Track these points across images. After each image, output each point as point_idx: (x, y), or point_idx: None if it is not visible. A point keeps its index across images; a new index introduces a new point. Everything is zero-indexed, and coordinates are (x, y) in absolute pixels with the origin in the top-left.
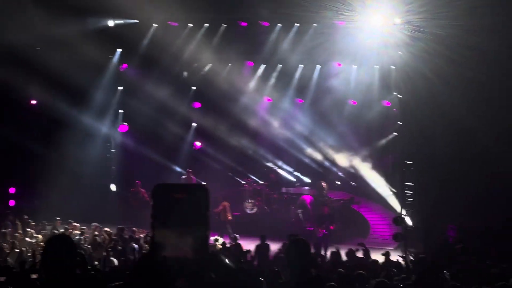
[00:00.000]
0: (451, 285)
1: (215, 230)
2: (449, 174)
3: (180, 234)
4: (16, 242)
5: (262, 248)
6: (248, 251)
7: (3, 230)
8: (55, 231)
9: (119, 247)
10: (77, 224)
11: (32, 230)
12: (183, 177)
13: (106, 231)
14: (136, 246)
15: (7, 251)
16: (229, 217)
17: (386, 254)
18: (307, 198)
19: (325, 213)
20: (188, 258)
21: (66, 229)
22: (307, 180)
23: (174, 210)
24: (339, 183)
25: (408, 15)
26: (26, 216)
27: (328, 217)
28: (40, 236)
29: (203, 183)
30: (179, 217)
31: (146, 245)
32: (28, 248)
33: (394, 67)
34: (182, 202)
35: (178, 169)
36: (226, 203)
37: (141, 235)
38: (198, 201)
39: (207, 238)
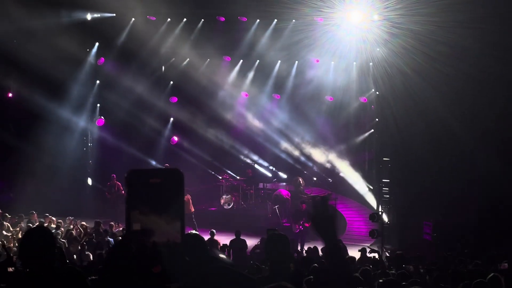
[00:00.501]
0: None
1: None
2: (426, 170)
3: (157, 220)
4: None
5: (237, 243)
6: (225, 245)
7: None
8: (30, 224)
9: (94, 240)
10: (53, 218)
11: (7, 223)
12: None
13: (82, 225)
14: (111, 240)
15: None
16: (192, 209)
17: (362, 250)
18: (283, 192)
19: (302, 209)
20: (176, 242)
21: (42, 223)
22: (284, 176)
23: (149, 196)
24: (315, 179)
25: (386, 11)
26: (0, 210)
27: (305, 214)
28: (16, 230)
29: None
30: (155, 202)
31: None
32: (4, 241)
33: (371, 64)
34: (157, 186)
35: (155, 163)
36: (188, 196)
37: (118, 229)
38: (173, 185)
39: (184, 222)
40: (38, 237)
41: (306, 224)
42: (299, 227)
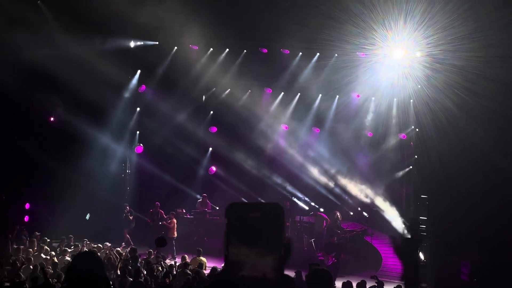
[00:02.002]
0: None
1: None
2: (467, 208)
3: (257, 253)
4: (30, 257)
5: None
6: None
7: (17, 246)
8: (67, 248)
9: (129, 267)
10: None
11: (46, 247)
12: (199, 200)
13: (117, 251)
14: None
15: (21, 266)
16: (175, 235)
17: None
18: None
19: (333, 242)
20: (268, 278)
21: (77, 247)
22: (321, 209)
23: (249, 228)
24: (352, 213)
25: (429, 47)
26: (38, 233)
27: (337, 246)
28: (53, 253)
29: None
30: (255, 236)
31: (159, 267)
32: (42, 264)
33: (412, 100)
34: (257, 221)
35: (192, 192)
36: (174, 220)
37: (152, 256)
38: (274, 220)
39: (283, 258)
40: (87, 262)
41: (342, 256)
42: (332, 259)
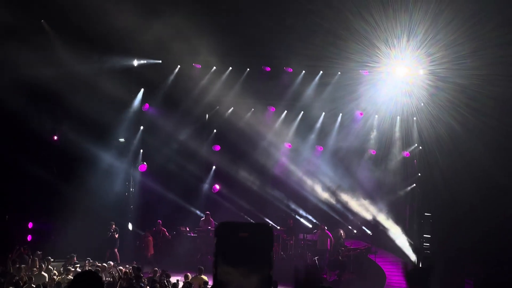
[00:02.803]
0: None
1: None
2: (470, 225)
3: (245, 273)
4: (32, 277)
5: None
6: None
7: (18, 265)
8: (70, 267)
9: (134, 286)
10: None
11: (49, 266)
12: (202, 219)
13: (120, 269)
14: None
15: (23, 285)
16: (152, 252)
17: None
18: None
19: (337, 259)
20: None
21: (81, 266)
22: (325, 227)
23: (237, 248)
24: (356, 231)
25: (432, 65)
26: (39, 252)
27: (341, 264)
28: (56, 272)
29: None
30: (243, 256)
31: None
32: (44, 284)
33: (415, 118)
34: (246, 241)
35: (195, 210)
36: (150, 238)
37: (157, 275)
38: (262, 241)
39: (271, 278)
40: (88, 282)
41: (344, 274)
42: (334, 277)
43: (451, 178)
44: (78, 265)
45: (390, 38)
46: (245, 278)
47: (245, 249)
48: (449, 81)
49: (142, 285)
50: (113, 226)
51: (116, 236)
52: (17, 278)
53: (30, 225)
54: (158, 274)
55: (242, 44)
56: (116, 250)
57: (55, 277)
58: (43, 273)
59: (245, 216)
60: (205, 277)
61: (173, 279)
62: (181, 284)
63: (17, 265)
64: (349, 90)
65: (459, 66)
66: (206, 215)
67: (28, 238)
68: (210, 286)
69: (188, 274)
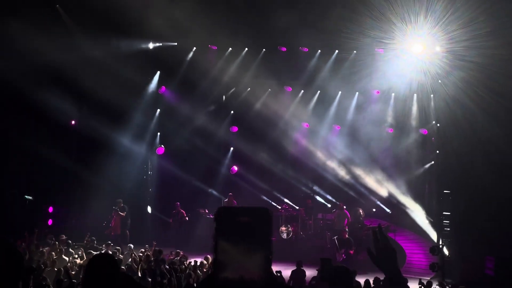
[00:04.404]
0: None
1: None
2: (488, 203)
3: (244, 257)
4: (54, 260)
5: (298, 274)
6: (278, 271)
7: (42, 249)
8: (91, 251)
9: (152, 268)
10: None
11: (70, 250)
12: (225, 200)
13: (142, 252)
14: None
15: (47, 269)
16: (119, 231)
17: (428, 284)
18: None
19: (344, 238)
20: (255, 279)
21: (101, 250)
22: (344, 206)
23: (237, 233)
24: (375, 210)
25: (449, 43)
26: (64, 236)
27: (347, 242)
28: (77, 256)
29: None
30: (242, 240)
31: (183, 266)
32: (66, 267)
33: (432, 96)
34: (244, 225)
35: (214, 192)
36: (117, 218)
37: (177, 257)
38: (261, 225)
39: (270, 261)
40: (103, 264)
41: (350, 252)
42: (341, 256)
43: (466, 157)
44: (100, 248)
45: (407, 14)
46: (245, 262)
47: (244, 233)
48: (467, 60)
49: (162, 267)
50: (120, 204)
51: (123, 214)
52: (40, 262)
53: (50, 209)
54: (178, 257)
55: (257, 25)
56: (127, 230)
57: (76, 260)
58: (64, 256)
59: (264, 197)
60: None
61: (192, 261)
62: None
63: (40, 249)
64: (364, 68)
65: (478, 44)
66: (229, 196)
67: (49, 222)
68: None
69: (209, 256)
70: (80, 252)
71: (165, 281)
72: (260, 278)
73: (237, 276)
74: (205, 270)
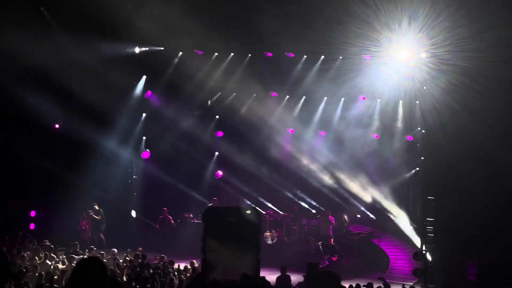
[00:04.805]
0: None
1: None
2: (473, 209)
3: (233, 256)
4: (37, 265)
5: (284, 279)
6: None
7: (23, 253)
8: (74, 255)
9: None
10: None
11: (52, 254)
12: (209, 204)
13: (125, 258)
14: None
15: (27, 273)
16: (89, 235)
17: None
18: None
19: (329, 244)
20: (245, 281)
21: (83, 254)
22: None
23: (224, 232)
24: (359, 216)
25: (433, 48)
26: (46, 240)
27: (331, 248)
28: (59, 260)
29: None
30: (231, 240)
31: (166, 271)
32: (48, 272)
33: (418, 102)
34: (233, 225)
35: (198, 196)
36: (89, 221)
37: (161, 262)
38: (250, 224)
39: (259, 261)
40: (90, 268)
41: (333, 258)
42: (324, 262)
43: (454, 161)
44: (82, 253)
45: (391, 21)
46: (234, 261)
47: (233, 233)
48: (451, 63)
49: (146, 272)
50: (95, 207)
51: (98, 218)
52: (22, 266)
53: (32, 213)
54: (162, 262)
55: (243, 30)
56: (101, 234)
57: (58, 265)
58: (47, 261)
59: (248, 202)
60: None
61: (176, 266)
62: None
63: (21, 253)
64: (351, 75)
65: (461, 48)
66: (214, 201)
67: (31, 226)
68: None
69: (194, 261)
70: (62, 257)
71: (149, 285)
72: (248, 280)
73: (226, 277)
74: (189, 274)
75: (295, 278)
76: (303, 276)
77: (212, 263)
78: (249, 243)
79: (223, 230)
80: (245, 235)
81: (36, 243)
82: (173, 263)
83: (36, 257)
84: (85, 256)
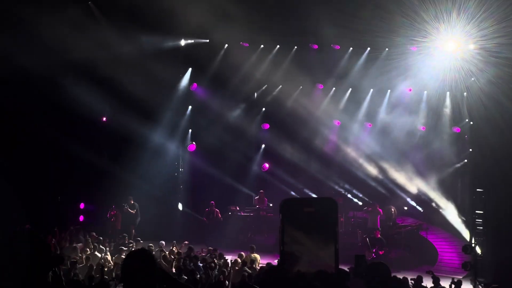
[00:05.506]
0: None
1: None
2: None
3: (312, 248)
4: (89, 257)
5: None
6: None
7: (75, 245)
8: (123, 247)
9: (187, 266)
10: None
11: (102, 247)
12: (256, 197)
13: (171, 250)
14: (201, 265)
15: (78, 265)
16: (119, 227)
17: (458, 283)
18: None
19: (376, 237)
20: (327, 272)
21: (131, 247)
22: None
23: (303, 223)
24: (406, 208)
25: (483, 40)
26: (94, 233)
27: (378, 241)
28: (109, 253)
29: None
30: (309, 230)
31: (213, 264)
32: (100, 264)
33: (466, 94)
34: (311, 215)
35: (245, 189)
36: (119, 215)
37: (208, 254)
38: (328, 215)
39: (338, 252)
40: (140, 260)
41: (380, 252)
42: (371, 255)
43: (502, 155)
44: (131, 245)
45: (439, 12)
46: (313, 253)
47: (311, 224)
48: (501, 56)
49: (192, 265)
50: (131, 201)
51: (133, 212)
52: (73, 258)
53: (81, 205)
54: (209, 254)
55: (289, 22)
56: (132, 227)
57: (107, 257)
58: (96, 253)
59: (294, 194)
60: (257, 255)
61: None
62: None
63: (73, 245)
64: (397, 66)
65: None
66: (260, 193)
67: (80, 218)
68: (267, 263)
69: (242, 253)
70: (110, 249)
71: (198, 277)
72: (333, 271)
73: (310, 270)
74: (237, 268)
75: None
76: (348, 268)
77: (295, 254)
78: (328, 234)
79: (301, 221)
80: (324, 225)
81: (86, 235)
82: (222, 256)
83: (88, 249)
84: (133, 249)
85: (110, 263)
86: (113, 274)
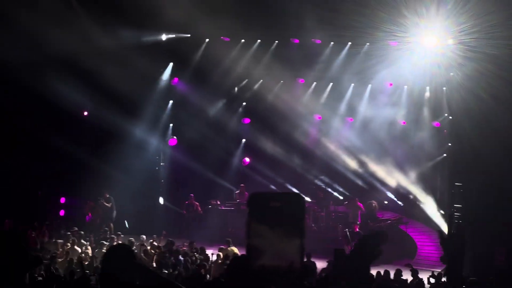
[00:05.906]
0: None
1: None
2: (500, 196)
3: (277, 242)
4: (68, 251)
5: (308, 266)
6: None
7: (55, 240)
8: (103, 241)
9: (167, 260)
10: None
11: (82, 241)
12: (237, 192)
13: (152, 244)
14: (182, 259)
15: (59, 260)
16: (98, 221)
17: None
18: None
19: (354, 231)
20: (290, 267)
21: (113, 240)
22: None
23: (269, 218)
24: (387, 202)
25: (461, 35)
26: (76, 228)
27: (357, 235)
28: (89, 247)
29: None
30: (276, 225)
31: (194, 257)
32: (80, 258)
33: (445, 88)
34: (277, 210)
35: (225, 183)
36: (98, 209)
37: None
38: (294, 210)
39: (304, 247)
40: (120, 254)
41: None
42: (348, 248)
43: (481, 149)
44: (113, 239)
45: (419, 6)
46: (278, 247)
47: (277, 218)
48: (479, 51)
49: (173, 259)
50: (106, 195)
51: (108, 205)
52: (53, 252)
53: (62, 200)
54: (190, 248)
55: (270, 16)
56: (110, 223)
57: (88, 251)
58: (76, 247)
59: (275, 189)
60: (234, 249)
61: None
62: (214, 257)
63: (53, 240)
64: (377, 61)
65: (490, 35)
66: (241, 187)
67: (61, 213)
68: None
69: (223, 247)
70: (91, 243)
71: (177, 272)
72: (297, 265)
73: (274, 264)
74: (220, 261)
75: (320, 264)
76: (327, 261)
77: (259, 248)
78: (294, 229)
79: (268, 215)
80: (290, 220)
81: (66, 230)
82: (204, 250)
83: (69, 244)
84: (114, 243)
85: (91, 257)
86: (93, 268)
